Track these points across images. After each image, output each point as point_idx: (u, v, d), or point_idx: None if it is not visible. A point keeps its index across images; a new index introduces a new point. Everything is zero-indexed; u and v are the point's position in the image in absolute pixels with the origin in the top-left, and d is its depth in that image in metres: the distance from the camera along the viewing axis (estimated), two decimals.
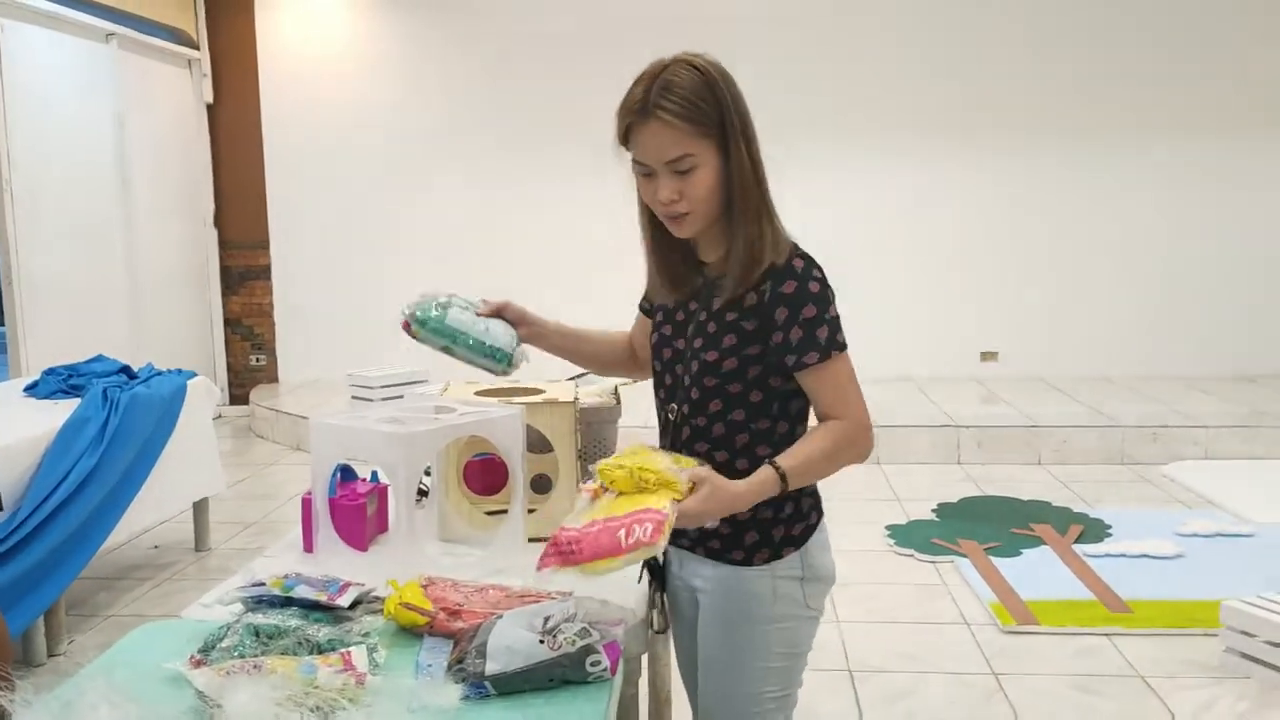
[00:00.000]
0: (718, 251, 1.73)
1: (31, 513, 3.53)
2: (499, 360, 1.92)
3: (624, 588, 1.84)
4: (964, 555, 4.61)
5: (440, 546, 2.18)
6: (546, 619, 1.52)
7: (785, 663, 1.76)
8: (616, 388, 2.83)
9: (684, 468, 1.58)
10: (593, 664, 1.49)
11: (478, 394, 2.37)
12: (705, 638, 1.79)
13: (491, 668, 1.45)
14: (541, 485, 2.34)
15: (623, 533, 1.46)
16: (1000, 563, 4.51)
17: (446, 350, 1.93)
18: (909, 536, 4.92)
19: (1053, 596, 4.12)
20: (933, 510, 5.33)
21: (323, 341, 8.19)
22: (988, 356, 7.96)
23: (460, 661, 1.48)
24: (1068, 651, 3.67)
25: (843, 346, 1.66)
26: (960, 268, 7.89)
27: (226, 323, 8.34)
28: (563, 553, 1.48)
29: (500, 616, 1.55)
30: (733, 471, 1.67)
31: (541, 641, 1.47)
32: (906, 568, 4.55)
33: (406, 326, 1.92)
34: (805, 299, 1.63)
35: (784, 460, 1.63)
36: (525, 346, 1.98)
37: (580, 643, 1.48)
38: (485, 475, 2.36)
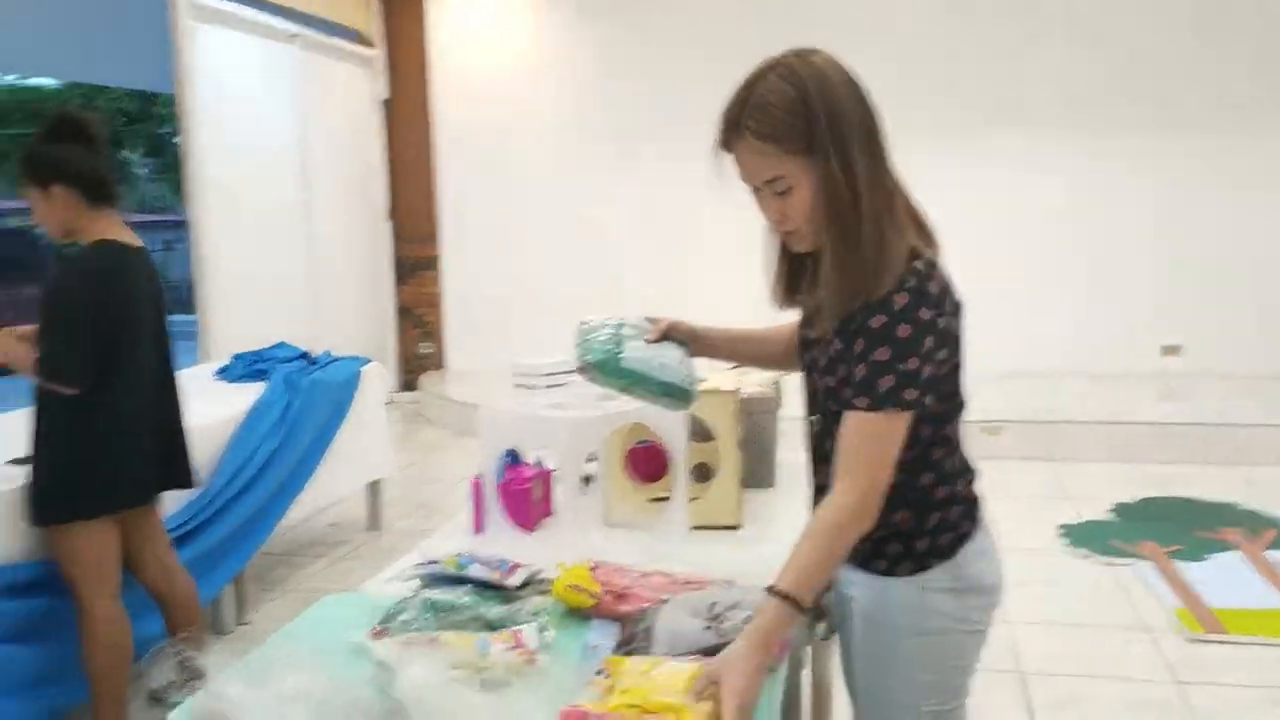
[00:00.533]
0: (850, 268, 1.53)
1: (221, 489, 3.74)
2: (678, 398, 1.81)
3: None
4: (1145, 558, 4.39)
5: (604, 531, 2.21)
6: (712, 605, 1.52)
7: (940, 677, 1.66)
8: (778, 379, 2.80)
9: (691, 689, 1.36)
10: None
11: None
12: (856, 647, 1.74)
13: (658, 651, 1.46)
14: (703, 474, 2.34)
15: None
16: (1185, 567, 4.27)
17: (626, 391, 1.82)
18: (1085, 536, 4.71)
19: (1244, 605, 3.88)
20: (1110, 510, 5.09)
21: (488, 330, 8.40)
22: (1169, 351, 7.54)
23: (628, 644, 1.49)
24: (1261, 663, 3.45)
25: (902, 405, 1.47)
26: (1140, 260, 7.49)
27: (399, 311, 8.66)
28: None
29: (666, 601, 1.56)
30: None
31: (708, 628, 1.46)
32: (1082, 569, 4.36)
33: (583, 370, 1.80)
34: (885, 340, 1.47)
35: (782, 582, 1.46)
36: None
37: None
38: (647, 463, 2.37)
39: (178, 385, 3.12)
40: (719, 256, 7.72)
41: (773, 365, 1.95)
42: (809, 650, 1.94)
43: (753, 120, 1.49)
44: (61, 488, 2.81)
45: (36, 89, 23.13)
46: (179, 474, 3.14)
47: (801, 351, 1.73)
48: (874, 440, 1.49)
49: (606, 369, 1.76)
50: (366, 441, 4.85)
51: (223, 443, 3.88)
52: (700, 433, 2.32)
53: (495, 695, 1.36)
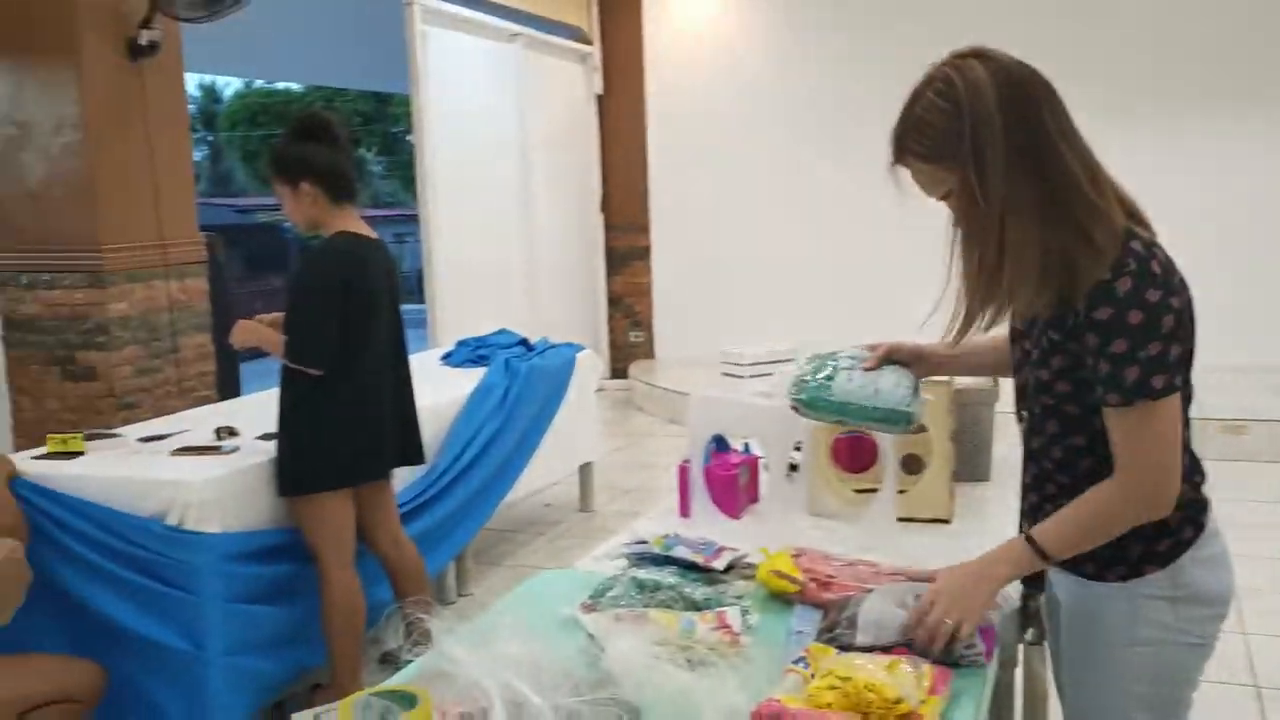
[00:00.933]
0: (981, 282, 1.53)
1: (447, 468, 3.96)
2: (895, 422, 1.79)
3: None
4: None
5: (809, 520, 2.21)
6: (918, 596, 1.51)
7: (1154, 689, 1.57)
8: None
9: (900, 679, 1.36)
10: (966, 647, 1.46)
11: None
12: (1064, 652, 1.68)
13: (861, 640, 1.46)
14: (912, 465, 2.31)
15: None
16: None
17: (840, 423, 1.84)
18: None
19: None
20: None
21: (696, 320, 8.49)
22: None
23: (830, 631, 1.50)
24: None
25: (1157, 393, 1.42)
26: None
27: (609, 301, 8.88)
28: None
29: (871, 591, 1.56)
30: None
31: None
32: None
33: (795, 409, 1.82)
34: (1119, 330, 1.42)
35: (1040, 531, 1.49)
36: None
37: (951, 624, 1.46)
38: (854, 453, 2.36)
39: (409, 368, 3.34)
40: (937, 250, 7.53)
41: (998, 372, 1.90)
42: (1020, 650, 1.89)
43: (914, 142, 1.51)
44: (305, 461, 3.05)
45: (284, 92, 24.97)
46: (411, 451, 3.35)
47: (1011, 345, 1.69)
48: (1135, 434, 1.45)
49: (817, 405, 1.79)
50: (579, 426, 5.01)
51: (447, 424, 4.10)
52: None
53: (699, 673, 1.40)
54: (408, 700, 1.33)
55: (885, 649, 1.46)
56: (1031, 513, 1.67)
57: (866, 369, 1.79)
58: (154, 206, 4.39)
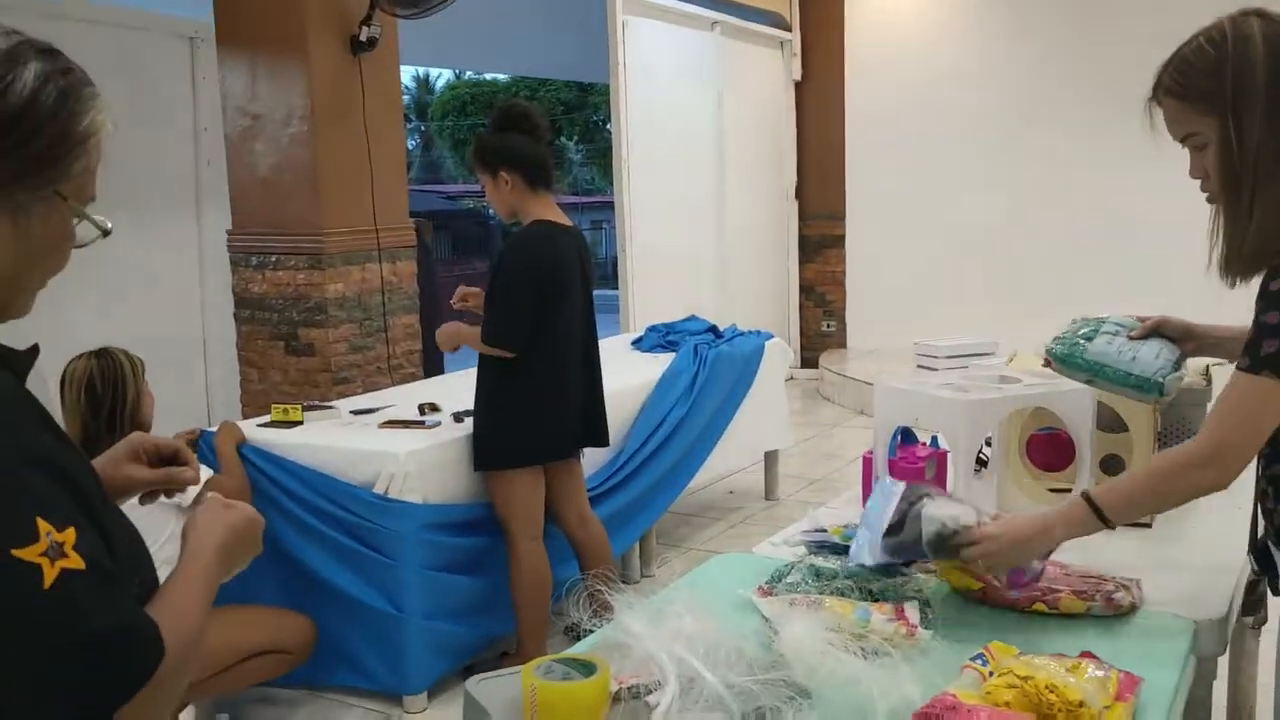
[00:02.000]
0: (1233, 236, 1.55)
1: (634, 452, 4.05)
2: (1147, 390, 1.78)
3: (1215, 576, 1.78)
4: None
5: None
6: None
7: None
8: (1209, 367, 2.57)
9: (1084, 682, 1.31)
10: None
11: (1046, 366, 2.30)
12: None
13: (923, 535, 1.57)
14: (1112, 466, 2.21)
15: None
16: None
17: (1090, 383, 1.84)
18: None
19: None
20: None
21: (890, 310, 8.33)
22: None
23: (897, 527, 1.62)
24: None
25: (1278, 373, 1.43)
26: None
27: (801, 289, 8.81)
28: (937, 717, 1.27)
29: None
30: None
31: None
32: None
33: (1048, 363, 1.84)
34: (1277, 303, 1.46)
35: (1100, 491, 1.52)
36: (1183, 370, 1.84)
37: (983, 564, 1.55)
38: (1050, 450, 2.28)
39: (599, 353, 3.43)
40: (1146, 238, 7.13)
41: None
42: (1223, 661, 1.79)
43: (1169, 77, 1.54)
44: (498, 439, 3.19)
45: (491, 82, 25.86)
46: (597, 433, 3.45)
47: None
48: (1243, 401, 1.47)
49: (1070, 361, 1.80)
50: (766, 413, 5.02)
51: (635, 409, 4.19)
52: (1111, 422, 2.19)
53: (871, 663, 1.40)
54: (587, 668, 1.39)
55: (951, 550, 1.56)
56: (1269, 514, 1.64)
57: (1132, 337, 1.81)
58: (369, 194, 4.65)
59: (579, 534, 3.45)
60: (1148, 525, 2.12)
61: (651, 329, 5.09)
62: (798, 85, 8.56)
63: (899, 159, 8.21)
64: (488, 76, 25.55)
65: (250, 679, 3.01)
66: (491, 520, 3.30)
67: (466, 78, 26.84)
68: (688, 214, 7.36)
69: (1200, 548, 1.99)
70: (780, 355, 5.16)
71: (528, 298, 3.08)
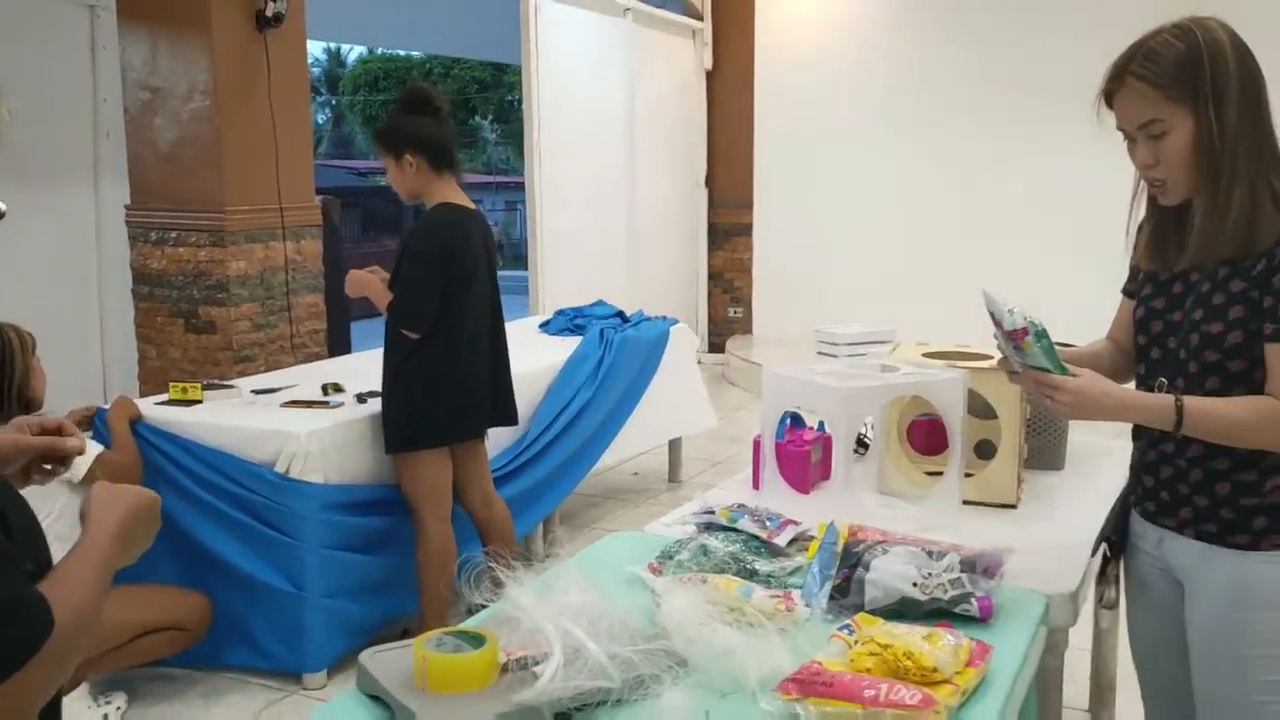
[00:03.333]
0: (1214, 219, 1.64)
1: (540, 434, 4.10)
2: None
3: (1071, 554, 1.90)
4: None
5: (878, 499, 2.26)
6: (929, 556, 1.61)
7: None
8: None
9: (938, 649, 1.41)
10: (962, 611, 1.55)
11: (926, 355, 2.42)
12: (1196, 626, 1.73)
13: (869, 601, 1.60)
14: (985, 450, 2.35)
15: (884, 688, 1.33)
16: None
17: (1033, 364, 1.76)
18: None
19: None
20: None
21: (796, 298, 8.49)
22: None
23: (843, 588, 1.61)
24: None
25: None
26: None
27: (710, 276, 8.93)
28: (804, 684, 1.37)
29: (886, 551, 1.64)
30: (1236, 465, 1.64)
31: (915, 584, 1.55)
32: None
33: (1024, 334, 1.70)
34: None
35: (1190, 400, 1.60)
36: None
37: (952, 592, 1.56)
38: (929, 435, 2.40)
39: (505, 334, 3.47)
40: (1043, 236, 7.40)
41: (1118, 376, 1.88)
42: (1071, 631, 1.92)
43: (1139, 66, 1.62)
44: (406, 420, 3.22)
45: (405, 59, 25.50)
46: (506, 412, 3.49)
47: (1146, 321, 1.77)
48: None
49: (1043, 341, 1.73)
50: (674, 399, 5.11)
51: (542, 391, 4.24)
52: (985, 410, 2.32)
53: (748, 634, 1.48)
54: (476, 641, 1.45)
55: (905, 614, 1.57)
56: (1166, 482, 1.74)
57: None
58: (274, 171, 4.61)
59: (483, 514, 3.49)
60: (1013, 506, 2.26)
61: (559, 313, 5.14)
62: (709, 74, 8.65)
63: (806, 149, 8.35)
64: (401, 53, 25.19)
65: (145, 656, 3.00)
66: (393, 500, 3.33)
67: (379, 53, 26.40)
68: (598, 199, 7.41)
69: (1059, 529, 2.13)
70: (687, 341, 5.26)
71: (435, 280, 3.11)
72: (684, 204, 8.64)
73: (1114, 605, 1.87)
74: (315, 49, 24.65)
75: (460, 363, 3.23)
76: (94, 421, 3.19)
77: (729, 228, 8.83)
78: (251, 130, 4.54)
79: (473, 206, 3.30)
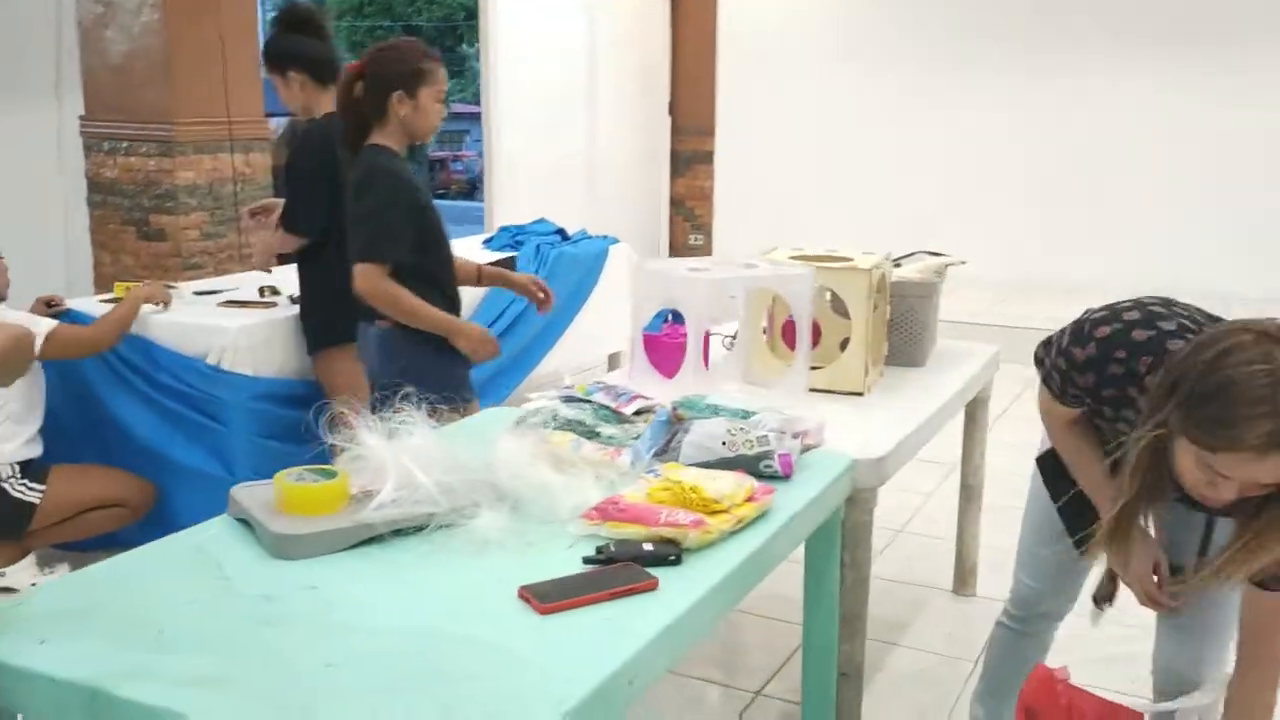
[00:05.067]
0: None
1: None
2: None
3: (891, 428, 2.07)
4: None
5: (738, 385, 2.49)
6: (732, 431, 1.82)
7: None
8: (945, 266, 2.94)
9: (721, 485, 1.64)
10: (765, 466, 1.77)
11: (794, 258, 2.63)
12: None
13: (684, 457, 1.81)
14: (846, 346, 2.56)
15: (664, 513, 1.57)
16: None
17: None
18: None
19: None
20: None
21: (755, 225, 8.62)
22: None
23: (665, 449, 1.82)
24: None
25: None
26: None
27: (671, 203, 9.08)
28: (604, 511, 1.60)
29: (712, 418, 1.86)
30: None
31: (724, 443, 1.77)
32: None
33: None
34: None
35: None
36: None
37: (758, 449, 1.76)
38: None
39: None
40: (995, 172, 7.56)
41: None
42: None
43: None
44: (314, 320, 3.40)
45: None
46: None
47: None
48: None
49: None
50: (610, 314, 5.29)
51: (475, 302, 4.42)
52: (847, 310, 2.53)
53: (565, 475, 1.71)
54: (330, 475, 1.68)
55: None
56: None
57: None
58: (223, 86, 4.75)
59: None
60: (860, 394, 2.48)
61: (503, 229, 5.30)
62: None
63: (769, 76, 8.43)
64: None
65: (90, 530, 3.23)
66: (318, 396, 3.51)
67: None
68: (558, 126, 7.50)
69: (893, 414, 2.35)
70: (626, 260, 5.42)
71: (320, 187, 3.21)
72: (646, 131, 8.74)
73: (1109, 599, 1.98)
74: None
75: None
76: (63, 315, 3.37)
77: (691, 155, 8.95)
78: (200, 45, 4.67)
79: None
